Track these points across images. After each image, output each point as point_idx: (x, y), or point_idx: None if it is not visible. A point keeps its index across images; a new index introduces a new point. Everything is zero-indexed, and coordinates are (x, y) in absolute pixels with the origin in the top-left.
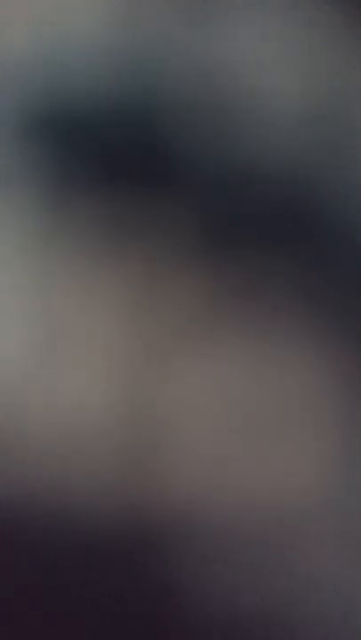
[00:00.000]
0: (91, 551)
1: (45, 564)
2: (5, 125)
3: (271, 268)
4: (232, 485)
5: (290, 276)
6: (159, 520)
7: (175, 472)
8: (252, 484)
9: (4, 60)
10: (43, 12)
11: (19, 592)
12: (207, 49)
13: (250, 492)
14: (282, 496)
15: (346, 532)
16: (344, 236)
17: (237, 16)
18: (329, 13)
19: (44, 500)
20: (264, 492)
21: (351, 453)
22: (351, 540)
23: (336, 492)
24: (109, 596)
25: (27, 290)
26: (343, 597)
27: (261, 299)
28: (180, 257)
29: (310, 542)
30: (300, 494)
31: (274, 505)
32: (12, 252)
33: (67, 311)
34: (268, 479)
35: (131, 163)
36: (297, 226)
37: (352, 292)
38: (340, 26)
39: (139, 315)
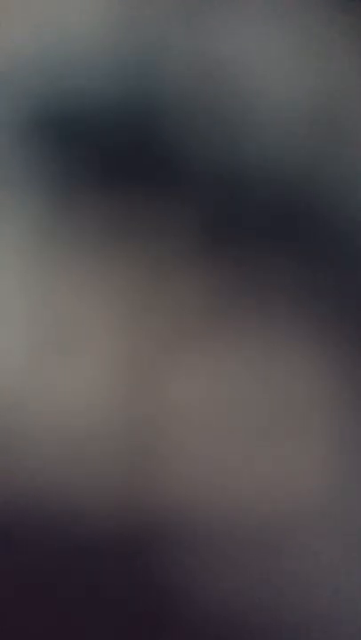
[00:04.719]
0: (91, 552)
1: (45, 565)
2: (6, 126)
3: (273, 268)
4: (233, 486)
5: (291, 276)
6: (160, 521)
7: (177, 472)
8: (253, 485)
9: (4, 61)
10: (43, 13)
11: (19, 593)
12: (207, 49)
13: (251, 494)
14: (282, 497)
15: (346, 533)
16: (345, 236)
17: (237, 16)
18: (329, 13)
19: (44, 500)
20: (265, 493)
21: (352, 454)
22: (352, 540)
23: (336, 493)
24: (109, 597)
25: (28, 290)
26: (343, 598)
27: (263, 298)
28: (181, 256)
29: (311, 543)
30: (301, 495)
31: (274, 506)
32: (14, 253)
33: (69, 311)
34: (269, 480)
35: (132, 163)
36: (297, 225)
37: (353, 291)
38: (340, 26)
39: (140, 314)
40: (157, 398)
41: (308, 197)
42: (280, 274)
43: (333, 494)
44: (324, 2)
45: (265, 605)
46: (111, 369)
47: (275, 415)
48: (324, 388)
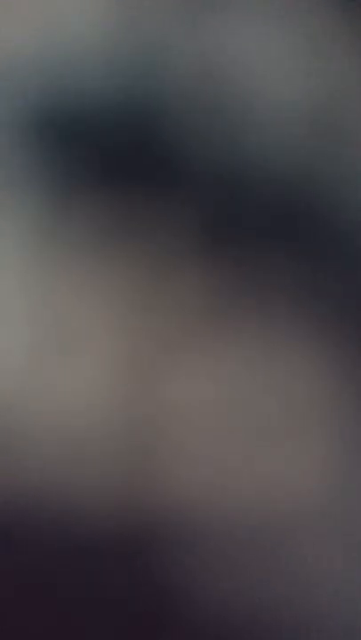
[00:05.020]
0: (91, 552)
1: (45, 565)
2: (6, 126)
3: (273, 268)
4: (233, 486)
5: (291, 276)
6: (160, 521)
7: (177, 472)
8: (253, 485)
9: (4, 61)
10: (43, 13)
11: (19, 593)
12: (207, 49)
13: (251, 494)
14: (282, 497)
15: (346, 533)
16: (345, 236)
17: (238, 16)
18: (329, 13)
19: (44, 500)
20: (265, 493)
21: (352, 454)
22: (352, 540)
23: (336, 493)
24: (109, 597)
25: (28, 290)
26: (343, 598)
27: (263, 298)
28: (181, 256)
29: (311, 543)
30: (301, 495)
31: (274, 506)
32: (15, 253)
33: (69, 311)
34: (269, 480)
35: (132, 163)
36: (297, 225)
37: (353, 291)
38: (340, 26)
39: (140, 314)
40: (157, 398)
41: (308, 197)
42: (280, 274)
43: (333, 494)
44: (325, 2)
45: (265, 605)
46: (111, 369)
47: (275, 415)
48: (324, 388)
